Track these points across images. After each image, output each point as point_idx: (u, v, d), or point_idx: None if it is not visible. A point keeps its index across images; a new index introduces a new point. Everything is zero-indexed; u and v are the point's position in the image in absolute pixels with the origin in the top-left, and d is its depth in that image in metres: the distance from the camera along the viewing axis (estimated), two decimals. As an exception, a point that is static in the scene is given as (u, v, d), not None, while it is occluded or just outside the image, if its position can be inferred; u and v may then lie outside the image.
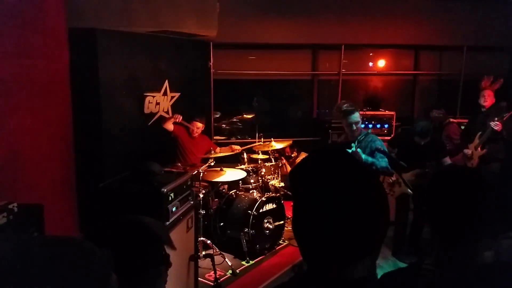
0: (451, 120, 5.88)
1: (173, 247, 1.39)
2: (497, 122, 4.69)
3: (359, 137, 3.90)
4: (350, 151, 3.67)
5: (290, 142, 5.69)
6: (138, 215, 1.46)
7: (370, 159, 3.72)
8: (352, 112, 3.84)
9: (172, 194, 3.00)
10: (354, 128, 3.87)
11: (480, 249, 1.33)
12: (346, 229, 0.91)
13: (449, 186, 1.36)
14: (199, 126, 5.10)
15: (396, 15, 6.63)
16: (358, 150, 3.73)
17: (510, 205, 4.17)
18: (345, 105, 3.89)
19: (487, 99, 5.01)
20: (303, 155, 5.94)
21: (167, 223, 2.92)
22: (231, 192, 5.00)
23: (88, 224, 3.61)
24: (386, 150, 3.86)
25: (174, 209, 3.02)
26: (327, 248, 0.93)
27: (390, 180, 4.63)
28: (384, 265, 4.64)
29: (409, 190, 4.43)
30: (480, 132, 4.91)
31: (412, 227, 4.84)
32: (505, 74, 7.50)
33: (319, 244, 0.94)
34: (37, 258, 0.84)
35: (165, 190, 2.92)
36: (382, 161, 3.74)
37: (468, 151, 4.99)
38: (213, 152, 4.95)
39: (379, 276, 1.40)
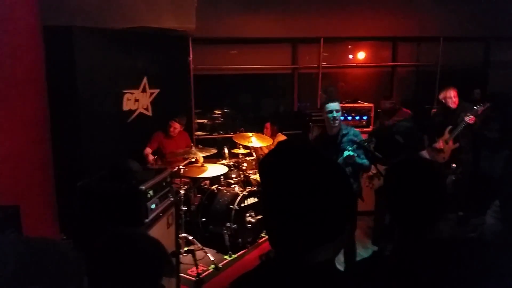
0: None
1: (173, 275, 1.44)
2: (471, 116, 4.68)
3: (343, 132, 3.74)
4: (347, 153, 3.50)
5: (271, 142, 5.63)
6: (147, 236, 1.49)
7: (359, 160, 3.62)
8: (331, 100, 3.72)
9: (151, 192, 3.00)
10: (332, 117, 3.67)
11: (434, 234, 1.40)
12: (310, 216, 0.97)
13: (404, 176, 1.44)
14: (176, 126, 5.09)
15: (373, 7, 6.68)
16: (351, 153, 3.53)
17: (484, 193, 4.32)
18: (330, 90, 3.78)
19: (455, 100, 4.94)
20: (280, 136, 5.87)
21: (146, 220, 2.93)
22: (212, 188, 5.02)
23: (68, 224, 3.59)
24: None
25: (153, 206, 3.02)
26: (292, 234, 0.99)
27: (371, 173, 4.67)
28: (364, 254, 4.73)
29: None
30: (450, 127, 4.92)
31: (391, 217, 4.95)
32: (480, 64, 7.70)
33: (284, 231, 1.00)
34: (10, 257, 0.85)
35: (144, 187, 2.92)
36: (365, 160, 3.70)
37: (439, 145, 4.99)
38: (192, 146, 4.94)
39: None
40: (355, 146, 3.59)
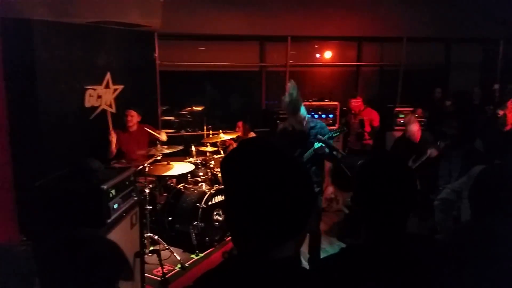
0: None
1: (131, 279, 1.41)
2: (434, 151, 4.84)
3: (310, 124, 3.75)
4: (318, 145, 3.57)
5: (240, 133, 5.65)
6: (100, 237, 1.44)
7: (327, 150, 3.64)
8: (298, 109, 3.66)
9: (113, 191, 2.92)
10: (303, 122, 3.71)
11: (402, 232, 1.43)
12: (271, 214, 0.97)
13: (374, 176, 1.45)
14: (133, 114, 5.01)
15: (340, 7, 6.79)
16: (321, 144, 3.58)
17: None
18: (290, 100, 3.65)
19: (418, 134, 5.07)
20: (252, 135, 5.75)
21: (108, 220, 2.86)
22: (179, 186, 4.96)
23: (28, 226, 3.47)
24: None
25: (115, 206, 2.94)
26: (253, 232, 1.00)
27: (332, 195, 4.67)
28: (330, 250, 4.82)
29: (345, 210, 4.64)
30: (414, 156, 5.00)
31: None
32: (442, 63, 7.98)
33: (245, 229, 1.01)
34: None
35: (105, 187, 2.84)
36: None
37: None
38: (157, 143, 4.86)
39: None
40: (326, 136, 3.61)
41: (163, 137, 5.05)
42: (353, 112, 6.23)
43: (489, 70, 7.95)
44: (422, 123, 6.52)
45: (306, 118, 3.79)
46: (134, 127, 5.08)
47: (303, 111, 3.70)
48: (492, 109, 5.63)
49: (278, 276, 0.99)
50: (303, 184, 1.03)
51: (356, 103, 6.22)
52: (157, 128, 5.51)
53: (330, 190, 4.05)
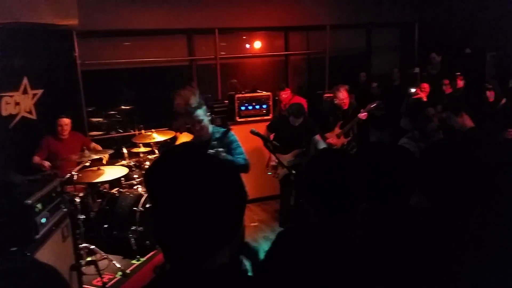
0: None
1: None
2: (364, 113, 5.04)
3: (216, 136, 3.36)
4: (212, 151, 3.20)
5: (174, 134, 5.49)
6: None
7: (229, 157, 3.27)
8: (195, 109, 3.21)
9: (39, 205, 2.75)
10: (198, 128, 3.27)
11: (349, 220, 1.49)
12: (200, 224, 0.95)
13: (323, 168, 1.51)
14: (66, 122, 4.73)
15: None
16: (220, 149, 3.24)
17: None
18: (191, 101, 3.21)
19: (347, 101, 5.19)
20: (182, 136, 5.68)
21: (37, 236, 2.68)
22: (113, 191, 4.76)
23: None
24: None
25: (43, 220, 2.77)
26: (186, 244, 0.97)
27: (274, 162, 4.79)
28: (272, 236, 4.90)
29: (292, 171, 4.78)
30: (341, 122, 5.18)
31: (295, 199, 5.19)
32: (363, 49, 8.36)
33: (176, 242, 0.98)
34: None
35: (30, 201, 2.66)
36: (240, 159, 3.32)
37: (332, 141, 5.15)
38: (85, 149, 4.64)
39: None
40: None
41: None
42: (284, 103, 6.33)
43: (407, 52, 8.46)
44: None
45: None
46: (67, 135, 4.80)
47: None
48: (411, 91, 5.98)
49: (214, 286, 0.97)
50: (232, 190, 1.02)
51: (286, 94, 6.35)
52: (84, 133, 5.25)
53: (272, 158, 4.54)
